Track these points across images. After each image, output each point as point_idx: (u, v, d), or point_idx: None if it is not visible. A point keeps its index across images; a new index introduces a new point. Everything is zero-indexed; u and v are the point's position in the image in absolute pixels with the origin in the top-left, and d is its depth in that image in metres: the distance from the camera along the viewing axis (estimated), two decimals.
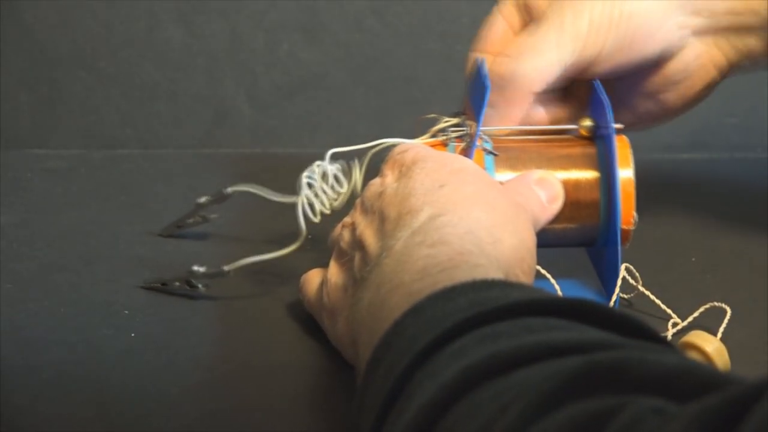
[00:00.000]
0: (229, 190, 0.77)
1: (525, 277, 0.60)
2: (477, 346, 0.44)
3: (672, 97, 0.78)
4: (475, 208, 0.60)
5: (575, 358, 0.41)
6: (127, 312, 0.72)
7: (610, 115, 0.69)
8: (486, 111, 0.71)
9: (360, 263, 0.62)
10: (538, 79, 0.72)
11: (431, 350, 0.46)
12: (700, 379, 0.38)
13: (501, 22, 0.76)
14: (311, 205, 0.72)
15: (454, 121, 0.72)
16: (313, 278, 0.69)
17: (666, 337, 0.68)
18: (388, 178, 0.65)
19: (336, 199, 0.72)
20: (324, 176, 0.72)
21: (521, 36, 0.74)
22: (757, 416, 0.34)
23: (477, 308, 0.46)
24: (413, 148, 0.67)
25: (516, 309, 0.46)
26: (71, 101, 1.05)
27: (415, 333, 0.47)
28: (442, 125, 0.72)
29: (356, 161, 0.73)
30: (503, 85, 0.72)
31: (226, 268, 0.71)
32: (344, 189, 0.73)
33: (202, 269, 0.72)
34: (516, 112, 0.73)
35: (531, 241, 0.62)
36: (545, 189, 0.68)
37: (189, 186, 0.94)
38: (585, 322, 0.45)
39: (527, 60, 0.72)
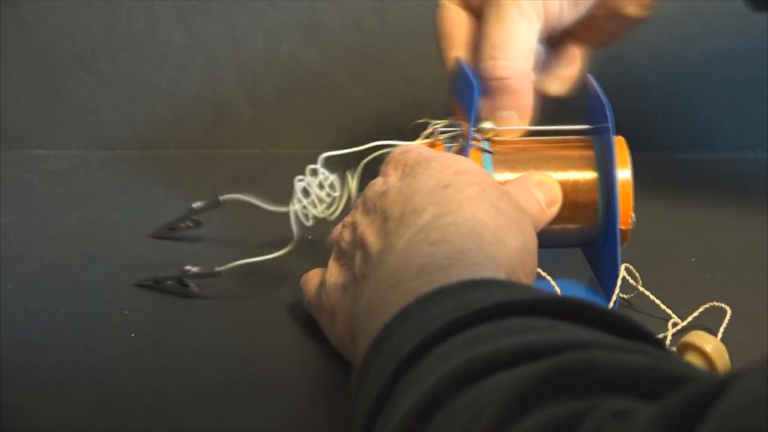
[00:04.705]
0: (223, 198, 0.78)
1: (526, 280, 0.60)
2: (458, 351, 0.44)
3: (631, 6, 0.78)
4: (479, 209, 0.60)
5: (545, 361, 0.40)
6: (127, 312, 0.72)
7: (609, 116, 0.69)
8: (504, 114, 0.72)
9: (361, 262, 0.62)
10: (530, 63, 0.73)
11: (416, 356, 0.45)
12: (667, 375, 0.38)
13: (457, 14, 0.77)
14: (304, 210, 0.72)
15: (444, 122, 0.73)
16: (312, 278, 0.69)
17: (665, 335, 0.68)
18: (391, 178, 0.65)
19: (330, 204, 0.73)
20: (317, 181, 0.72)
21: (489, 28, 0.74)
22: (717, 414, 0.34)
23: (461, 311, 0.46)
24: (416, 148, 0.67)
25: (498, 310, 0.46)
26: (71, 101, 1.05)
27: (401, 338, 0.47)
28: (433, 128, 0.72)
29: (349, 172, 0.73)
30: (505, 85, 0.72)
31: (218, 268, 0.72)
32: (338, 193, 0.73)
33: (194, 269, 0.73)
34: (529, 100, 0.73)
35: (533, 243, 0.62)
36: (544, 192, 0.68)
37: (189, 186, 0.94)
38: (569, 320, 0.45)
39: (513, 52, 0.73)
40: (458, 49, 0.76)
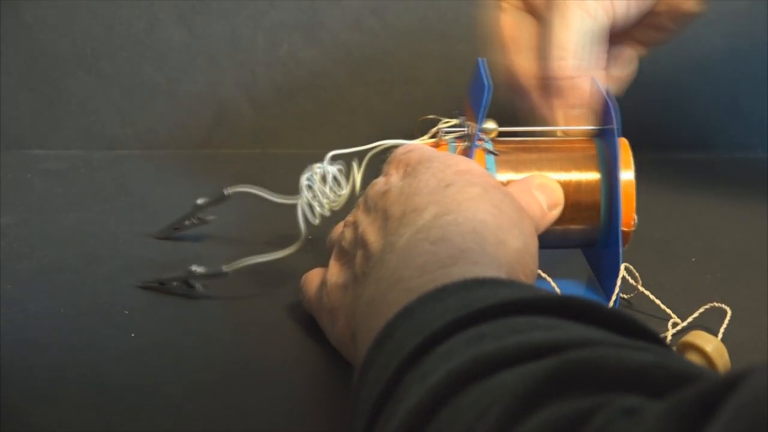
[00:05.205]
0: (228, 190, 0.77)
1: (526, 281, 0.60)
2: (462, 349, 0.44)
3: None
4: (480, 209, 0.60)
5: (552, 359, 0.40)
6: (127, 312, 0.71)
7: (615, 117, 0.69)
8: (575, 113, 0.72)
9: (362, 261, 0.62)
10: (598, 61, 0.74)
11: (420, 353, 0.45)
12: (675, 372, 0.38)
13: (518, 17, 0.76)
14: (311, 207, 0.72)
15: (454, 121, 0.73)
16: (313, 278, 0.69)
17: (665, 335, 0.68)
18: (393, 177, 0.65)
19: (335, 201, 0.73)
20: (323, 178, 0.72)
21: (556, 27, 0.74)
22: (727, 411, 0.34)
23: (465, 309, 0.46)
24: (418, 148, 0.67)
25: (503, 308, 0.46)
26: (71, 101, 1.05)
27: (404, 335, 0.47)
28: (441, 126, 0.72)
29: (354, 163, 0.73)
30: (575, 84, 0.73)
31: (224, 268, 0.72)
32: (344, 191, 0.73)
33: (200, 269, 0.72)
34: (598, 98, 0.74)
35: (534, 245, 0.61)
36: (546, 195, 0.68)
37: (189, 186, 0.94)
38: (573, 319, 0.45)
39: (581, 51, 0.73)
40: (522, 54, 0.76)
